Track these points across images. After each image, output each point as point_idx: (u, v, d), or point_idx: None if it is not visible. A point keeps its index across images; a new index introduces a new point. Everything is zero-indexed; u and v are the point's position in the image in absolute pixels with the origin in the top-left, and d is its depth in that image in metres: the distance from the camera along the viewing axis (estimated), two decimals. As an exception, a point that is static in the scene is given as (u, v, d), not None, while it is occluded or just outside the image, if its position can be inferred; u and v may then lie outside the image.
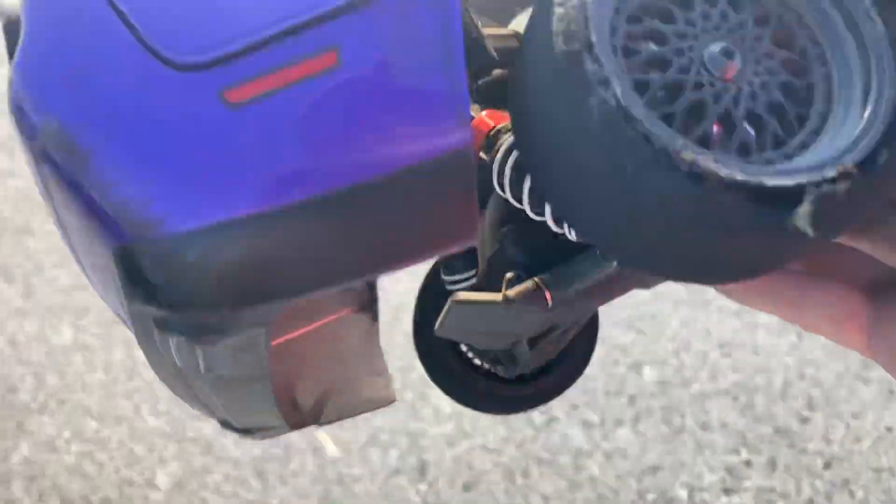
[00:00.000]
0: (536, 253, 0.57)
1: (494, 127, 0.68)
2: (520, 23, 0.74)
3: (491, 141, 0.67)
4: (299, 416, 0.69)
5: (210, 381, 0.58)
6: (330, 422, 0.77)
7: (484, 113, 0.70)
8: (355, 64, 0.56)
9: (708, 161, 0.45)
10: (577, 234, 0.58)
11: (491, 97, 0.69)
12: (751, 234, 0.46)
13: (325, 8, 0.56)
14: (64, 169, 0.57)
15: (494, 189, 0.63)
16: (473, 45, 0.67)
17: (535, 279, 0.62)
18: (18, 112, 0.59)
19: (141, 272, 0.56)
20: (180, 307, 0.56)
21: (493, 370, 0.73)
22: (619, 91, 0.48)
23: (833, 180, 0.45)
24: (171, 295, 0.57)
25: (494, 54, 0.67)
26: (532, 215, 0.58)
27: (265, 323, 0.58)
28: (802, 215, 0.44)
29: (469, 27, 0.69)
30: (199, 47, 0.56)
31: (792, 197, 0.45)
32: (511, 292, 0.63)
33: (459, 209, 0.56)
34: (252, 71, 0.56)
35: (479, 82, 0.69)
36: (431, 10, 0.57)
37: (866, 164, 0.46)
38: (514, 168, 0.63)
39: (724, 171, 0.45)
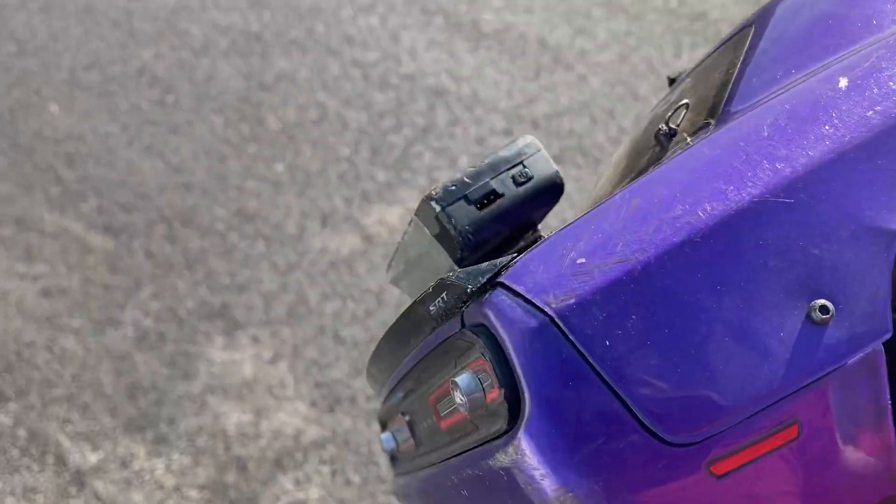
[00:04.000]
0: None
1: None
2: None
3: None
4: None
5: None
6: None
7: None
8: (812, 434, 0.71)
9: None
10: None
11: None
12: None
13: (790, 389, 0.70)
14: None
15: None
16: None
17: None
18: (529, 479, 0.74)
19: None
20: None
21: None
22: None
23: None
24: None
25: None
26: None
27: None
28: None
29: None
30: (689, 429, 0.70)
31: None
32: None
33: None
34: (732, 446, 0.70)
35: None
36: (865, 380, 0.70)
37: None
38: None
39: None
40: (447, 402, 0.95)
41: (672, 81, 1.22)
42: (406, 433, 1.21)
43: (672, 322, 0.72)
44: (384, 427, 1.37)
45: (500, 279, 0.79)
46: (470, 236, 0.97)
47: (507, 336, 0.75)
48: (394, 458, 1.35)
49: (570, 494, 0.71)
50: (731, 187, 0.75)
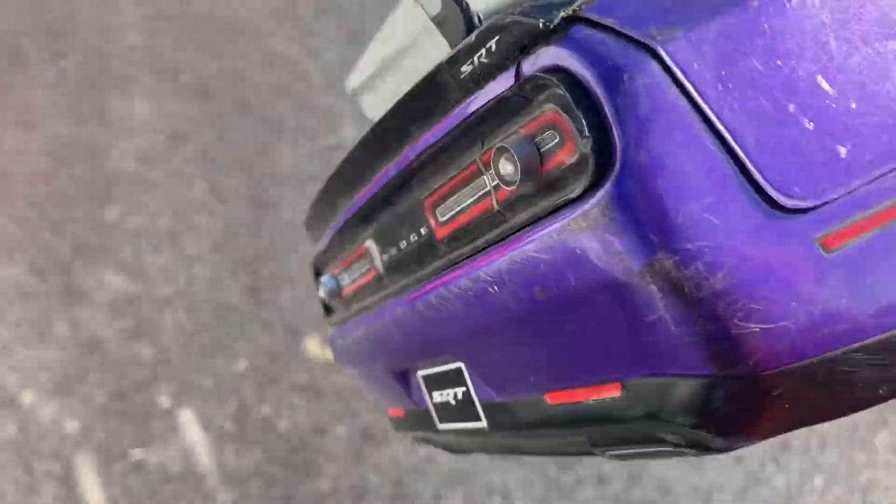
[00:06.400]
0: None
1: None
2: None
3: None
4: None
5: None
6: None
7: None
8: None
9: None
10: None
11: None
12: None
13: None
14: (671, 301, 0.61)
15: None
16: None
17: None
18: (615, 246, 0.62)
19: (709, 402, 0.64)
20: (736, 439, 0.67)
21: None
22: None
23: None
24: (735, 427, 0.66)
25: None
26: None
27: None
28: None
29: None
30: (806, 190, 0.61)
31: None
32: None
33: None
34: (848, 216, 0.61)
35: None
36: None
37: None
38: None
39: None
40: (452, 203, 0.81)
41: None
42: (358, 270, 1.07)
43: (793, 65, 0.62)
44: (319, 273, 1.22)
45: (581, 13, 0.65)
46: (480, 17, 0.81)
47: (595, 76, 0.62)
48: (329, 307, 1.20)
49: (671, 261, 0.59)
50: None
